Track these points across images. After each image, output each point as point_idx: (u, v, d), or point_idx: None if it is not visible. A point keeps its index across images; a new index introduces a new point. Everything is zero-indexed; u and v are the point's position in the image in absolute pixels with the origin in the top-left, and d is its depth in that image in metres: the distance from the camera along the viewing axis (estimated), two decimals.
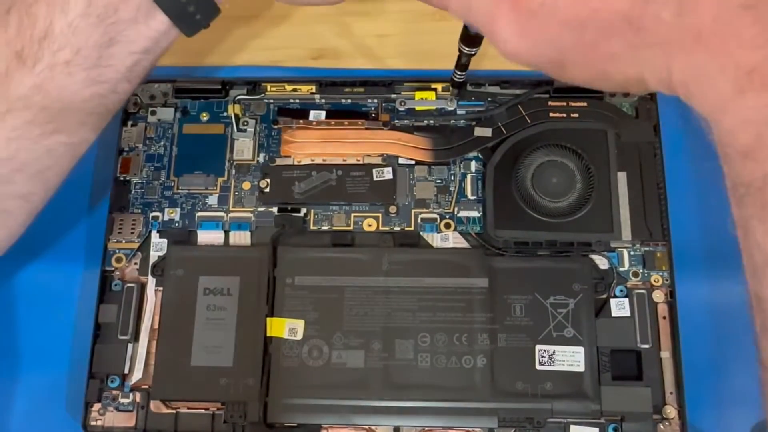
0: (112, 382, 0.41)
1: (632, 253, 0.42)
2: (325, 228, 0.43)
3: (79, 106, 0.35)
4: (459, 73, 0.41)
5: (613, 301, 0.41)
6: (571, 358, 0.39)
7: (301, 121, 0.45)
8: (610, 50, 0.25)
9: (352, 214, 0.44)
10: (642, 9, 0.23)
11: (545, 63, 0.27)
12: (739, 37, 0.21)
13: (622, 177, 0.43)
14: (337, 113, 0.45)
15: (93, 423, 0.40)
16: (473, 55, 0.38)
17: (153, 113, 0.46)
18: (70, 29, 0.33)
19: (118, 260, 0.43)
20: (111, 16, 0.34)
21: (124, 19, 0.34)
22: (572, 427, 0.39)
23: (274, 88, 0.46)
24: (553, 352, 0.40)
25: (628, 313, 0.41)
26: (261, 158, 0.45)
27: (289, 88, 0.46)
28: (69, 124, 0.35)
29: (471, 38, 0.37)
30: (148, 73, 0.37)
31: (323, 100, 0.46)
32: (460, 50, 0.38)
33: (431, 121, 0.45)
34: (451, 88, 0.44)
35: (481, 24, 0.27)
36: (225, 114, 0.46)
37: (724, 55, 0.22)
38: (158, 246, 0.43)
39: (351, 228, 0.43)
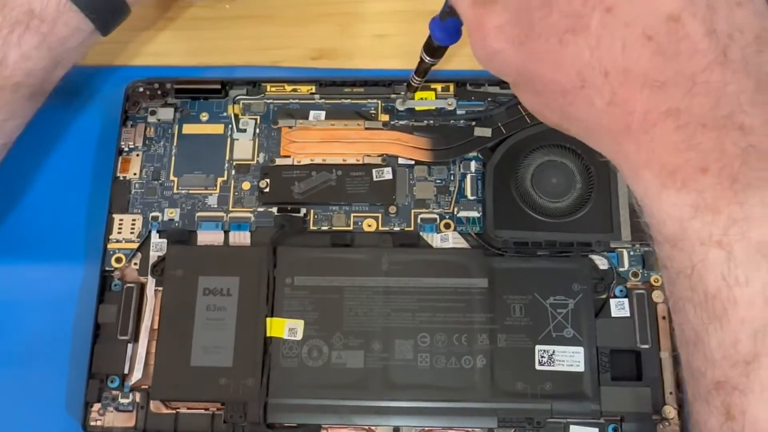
0: (111, 382, 0.41)
1: (632, 253, 0.42)
2: (324, 228, 0.43)
3: (19, 113, 0.41)
4: (417, 78, 0.41)
5: (612, 301, 0.41)
6: (570, 359, 0.39)
7: (300, 121, 0.45)
8: (550, 106, 0.27)
9: (352, 215, 0.44)
10: (577, 91, 0.24)
11: (510, 83, 0.29)
12: (664, 140, 0.23)
13: (621, 177, 0.42)
14: (337, 113, 0.45)
15: (93, 423, 0.40)
16: (434, 64, 0.39)
17: (153, 113, 0.46)
18: (23, 58, 0.38)
19: (118, 260, 0.43)
20: (60, 47, 0.39)
21: (70, 48, 0.40)
22: (572, 427, 0.39)
23: (273, 88, 0.46)
24: (553, 352, 0.40)
25: (627, 314, 0.41)
26: (261, 158, 0.45)
27: (288, 88, 0.46)
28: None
29: (434, 49, 0.37)
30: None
31: (323, 101, 0.46)
32: (421, 58, 0.38)
33: (431, 121, 0.45)
34: (406, 91, 0.44)
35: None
36: (225, 114, 0.46)
37: (649, 151, 0.23)
38: (158, 246, 0.43)
39: (351, 228, 0.43)
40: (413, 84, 0.42)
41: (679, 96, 0.22)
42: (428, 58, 0.38)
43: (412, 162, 0.44)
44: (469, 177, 0.44)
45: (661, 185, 0.23)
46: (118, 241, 0.43)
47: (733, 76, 0.22)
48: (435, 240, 0.43)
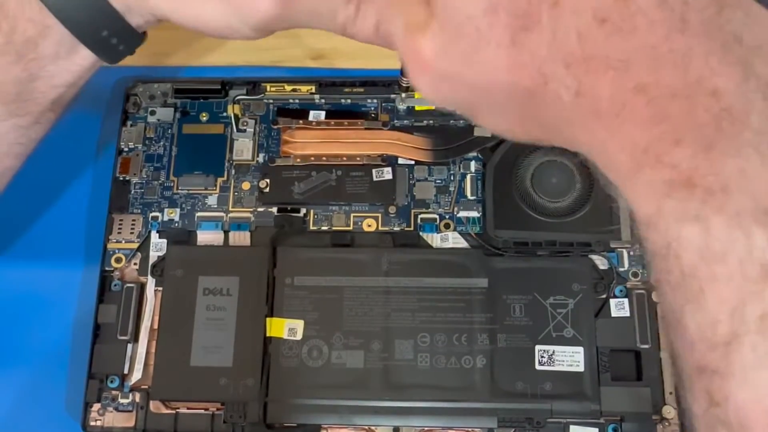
0: (111, 382, 0.41)
1: (632, 253, 0.42)
2: (324, 228, 0.43)
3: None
4: (405, 78, 0.41)
5: (612, 301, 0.41)
6: (570, 359, 0.39)
7: (300, 121, 0.45)
8: (518, 117, 0.26)
9: (352, 215, 0.44)
10: (543, 90, 0.23)
11: (461, 111, 0.27)
12: (635, 118, 0.22)
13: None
14: (336, 113, 0.45)
15: (92, 423, 0.40)
16: None
17: (153, 113, 0.46)
18: None
19: (118, 260, 0.43)
20: (31, 53, 0.34)
21: (45, 55, 0.34)
22: (572, 427, 0.39)
23: (273, 88, 0.46)
24: (553, 352, 0.40)
25: (627, 314, 0.41)
26: (261, 158, 0.45)
27: (288, 88, 0.46)
28: None
29: None
30: (75, 99, 0.38)
31: (323, 100, 0.46)
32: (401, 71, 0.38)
33: (431, 121, 0.45)
34: (399, 92, 0.44)
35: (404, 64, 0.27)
36: (225, 114, 0.46)
37: (621, 133, 0.23)
38: (158, 246, 0.43)
39: (351, 228, 0.43)
40: (402, 84, 0.42)
41: (644, 71, 0.21)
42: (405, 79, 0.38)
43: (412, 162, 0.44)
44: (469, 177, 0.44)
45: (636, 165, 0.22)
46: (118, 241, 0.43)
47: (696, 40, 0.21)
48: (435, 240, 0.43)
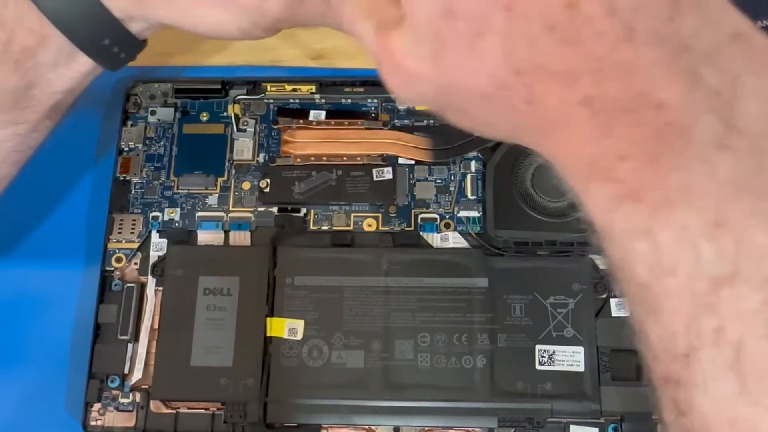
0: (112, 382, 0.41)
1: None
2: (325, 228, 0.43)
3: None
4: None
5: (613, 301, 0.41)
6: (570, 358, 0.39)
7: (301, 121, 0.45)
8: (481, 118, 0.26)
9: (352, 214, 0.44)
10: (497, 95, 0.23)
11: (432, 110, 0.28)
12: (582, 131, 0.22)
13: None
14: (337, 113, 0.45)
15: (93, 423, 0.40)
16: None
17: (153, 113, 0.46)
18: None
19: (118, 260, 0.43)
20: (29, 61, 0.33)
21: (43, 64, 0.33)
22: (572, 427, 0.39)
23: (274, 88, 0.46)
24: (553, 352, 0.40)
25: (628, 313, 0.41)
26: (261, 158, 0.45)
27: (289, 88, 0.46)
28: None
29: None
30: (73, 105, 0.37)
31: (323, 100, 0.46)
32: None
33: (431, 121, 0.45)
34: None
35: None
36: (225, 114, 0.46)
37: (570, 145, 0.23)
38: (158, 246, 0.43)
39: (351, 228, 0.43)
40: None
41: (589, 83, 0.21)
42: None
43: (412, 162, 0.44)
44: (469, 177, 0.44)
45: (586, 178, 0.22)
46: (118, 241, 0.43)
47: (643, 50, 0.21)
48: (435, 240, 0.43)
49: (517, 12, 0.21)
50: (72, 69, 0.35)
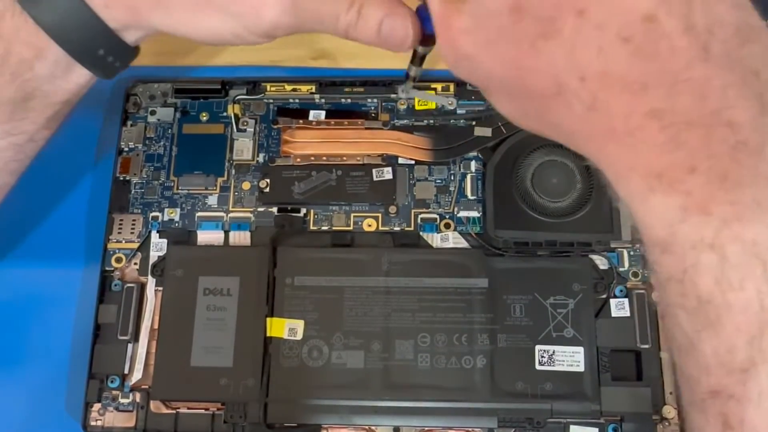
0: (112, 382, 0.41)
1: (632, 253, 0.42)
2: (324, 228, 0.43)
3: None
4: (414, 67, 0.41)
5: (612, 301, 0.41)
6: (570, 359, 0.39)
7: (300, 121, 0.45)
8: (525, 111, 0.26)
9: (352, 214, 0.44)
10: (555, 97, 0.23)
11: (477, 87, 0.28)
12: (648, 142, 0.22)
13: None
14: (336, 113, 0.45)
15: (93, 423, 0.40)
16: (427, 53, 0.38)
17: (153, 113, 0.46)
18: None
19: (118, 260, 0.43)
20: (26, 73, 0.33)
21: (40, 76, 0.34)
22: (572, 427, 0.39)
23: (273, 88, 0.46)
24: (553, 352, 0.40)
25: (627, 314, 0.41)
26: (261, 158, 0.45)
27: (288, 88, 0.46)
28: None
29: (426, 37, 0.36)
30: (70, 114, 0.38)
31: (323, 100, 0.46)
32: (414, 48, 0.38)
33: (431, 121, 0.45)
34: (405, 81, 0.43)
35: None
36: (225, 114, 0.46)
37: (634, 154, 0.23)
38: (158, 246, 0.43)
39: (351, 228, 0.43)
40: (410, 74, 0.42)
41: (661, 96, 0.22)
42: (419, 47, 0.38)
43: (412, 162, 0.44)
44: (469, 177, 0.44)
45: (648, 188, 0.23)
46: (118, 241, 0.43)
47: (716, 71, 0.21)
48: (435, 240, 0.43)
49: (589, 19, 0.22)
50: (69, 80, 0.35)
